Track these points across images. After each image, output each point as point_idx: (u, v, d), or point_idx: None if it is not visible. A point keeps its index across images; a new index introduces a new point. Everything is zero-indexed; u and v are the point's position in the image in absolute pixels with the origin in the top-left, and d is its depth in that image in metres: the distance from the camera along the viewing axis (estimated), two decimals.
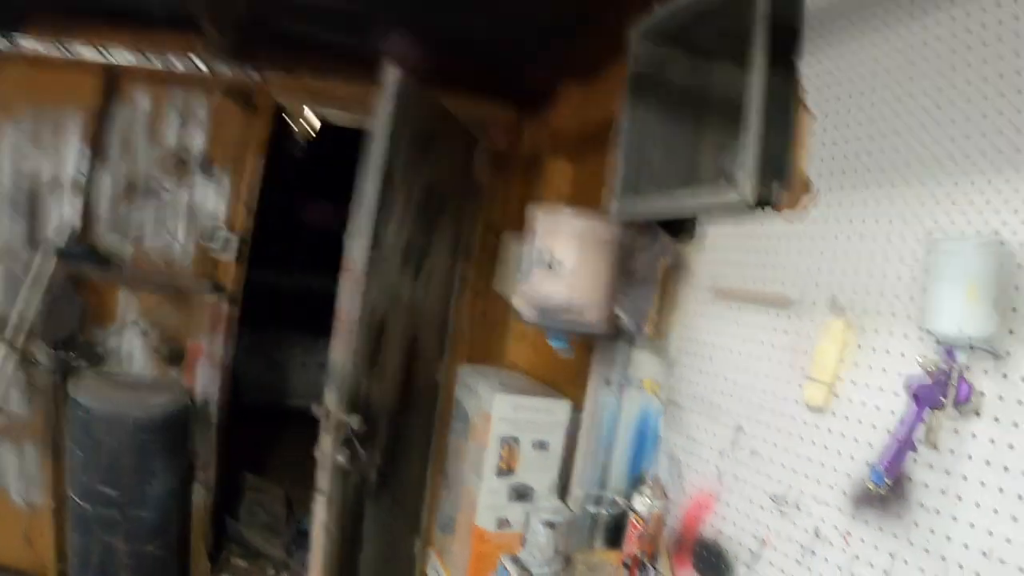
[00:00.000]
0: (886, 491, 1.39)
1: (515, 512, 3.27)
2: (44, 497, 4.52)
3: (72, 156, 4.41)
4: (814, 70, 1.98)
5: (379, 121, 3.07)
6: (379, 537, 3.87)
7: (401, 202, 3.34)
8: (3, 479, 4.57)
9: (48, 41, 4.34)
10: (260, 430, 7.22)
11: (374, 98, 3.15)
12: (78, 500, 4.02)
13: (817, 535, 1.68)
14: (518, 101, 4.72)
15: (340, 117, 4.72)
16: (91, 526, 4.00)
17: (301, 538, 5.27)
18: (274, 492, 5.75)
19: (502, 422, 3.18)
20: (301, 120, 5.75)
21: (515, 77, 4.40)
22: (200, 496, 4.58)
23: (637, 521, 2.12)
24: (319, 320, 8.20)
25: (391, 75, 3.07)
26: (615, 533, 2.71)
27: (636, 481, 2.65)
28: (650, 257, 2.52)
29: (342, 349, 3.01)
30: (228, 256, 4.45)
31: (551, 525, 2.11)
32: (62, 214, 4.42)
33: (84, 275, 4.33)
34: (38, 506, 4.54)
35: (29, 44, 4.34)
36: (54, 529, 4.52)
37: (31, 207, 4.45)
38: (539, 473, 3.23)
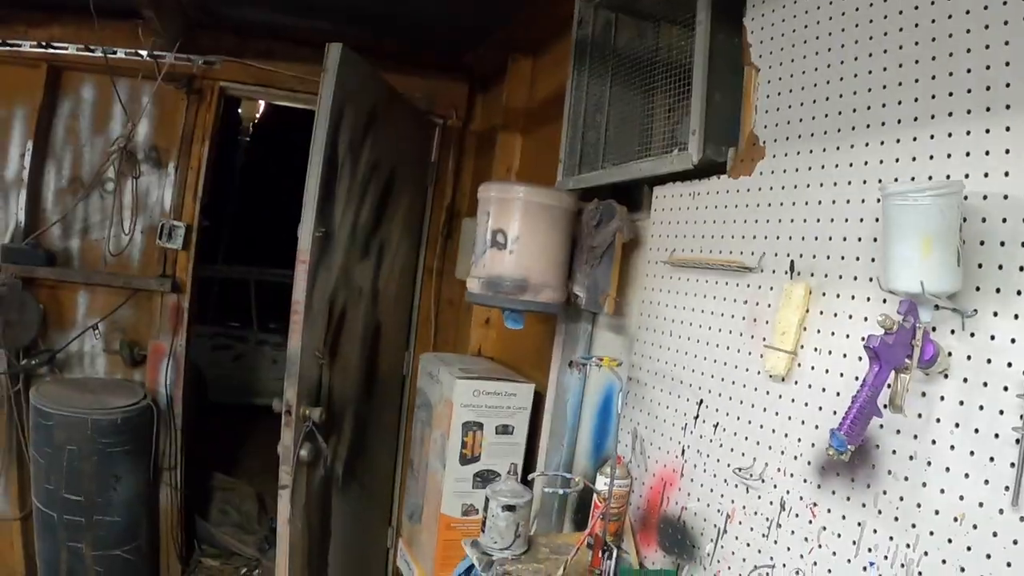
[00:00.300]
0: (849, 457, 1.31)
1: (481, 498, 3.18)
2: (10, 507, 4.39)
3: (17, 152, 4.25)
4: (759, 23, 1.89)
5: (323, 99, 2.98)
6: (349, 529, 3.83)
7: (349, 184, 3.26)
8: None
9: None
10: (229, 429, 7.13)
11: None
12: (43, 508, 3.92)
13: (783, 507, 1.61)
14: (470, 77, 4.64)
15: (291, 101, 4.63)
16: (57, 533, 3.91)
17: (274, 535, 5.20)
18: (245, 491, 5.67)
19: (464, 408, 3.10)
20: (250, 106, 5.65)
21: (466, 53, 4.33)
22: (168, 497, 4.48)
23: (599, 501, 2.03)
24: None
25: (334, 52, 2.98)
26: (581, 514, 2.67)
27: (602, 461, 2.57)
28: (607, 232, 2.42)
29: (298, 341, 2.92)
30: (178, 247, 4.32)
31: (511, 508, 2.02)
32: (8, 213, 4.27)
33: (35, 275, 4.19)
34: (4, 517, 4.39)
35: None
36: (22, 539, 4.40)
37: None
38: (504, 458, 3.11)
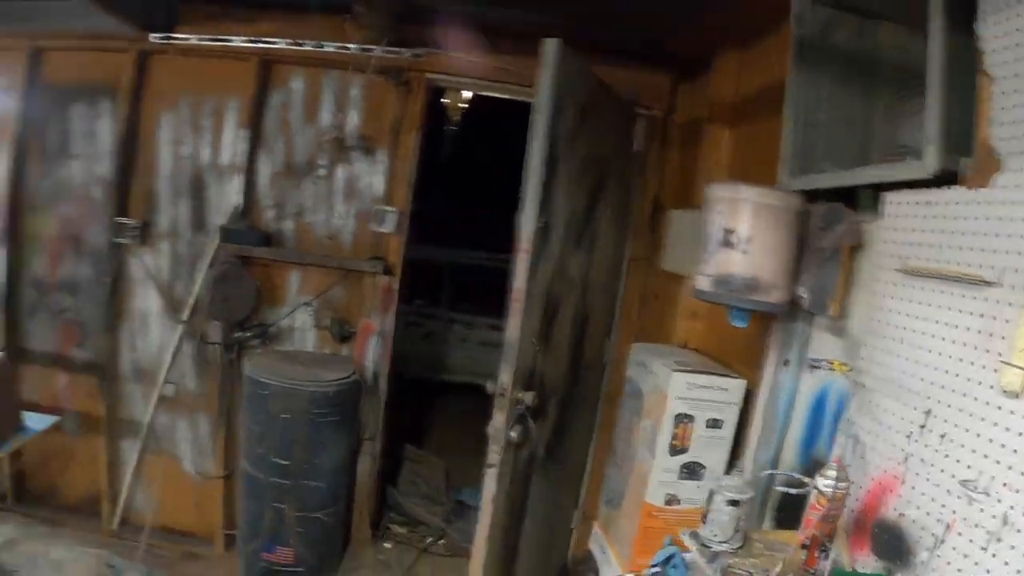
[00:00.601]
0: None
1: (685, 489, 3.49)
2: (214, 466, 5.17)
3: (231, 140, 4.93)
4: (992, 32, 1.98)
5: (541, 94, 3.22)
6: (542, 509, 4.14)
7: (566, 176, 3.50)
8: (177, 450, 5.26)
9: (202, 32, 4.84)
10: (418, 403, 7.77)
11: (528, 70, 3.34)
12: (252, 470, 4.50)
13: (1005, 522, 1.74)
14: (673, 68, 4.80)
15: (496, 91, 4.95)
16: (263, 494, 4.47)
17: (459, 508, 5.75)
18: (433, 463, 6.23)
19: (678, 400, 3.37)
20: (454, 96, 6.09)
21: (669, 44, 4.47)
22: (366, 466, 5.07)
23: (819, 502, 2.19)
24: (480, 297, 8.68)
25: (550, 47, 3.21)
26: (784, 513, 2.87)
27: (809, 462, 2.77)
28: (834, 236, 2.59)
29: (516, 327, 3.21)
30: (391, 231, 4.83)
31: (735, 503, 2.26)
32: (225, 196, 4.96)
33: (251, 254, 4.82)
34: (209, 475, 5.19)
35: (184, 36, 4.86)
36: (223, 496, 5.18)
37: (195, 191, 5.01)
38: (711, 451, 3.41)
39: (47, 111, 5.24)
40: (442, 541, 5.55)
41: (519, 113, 3.70)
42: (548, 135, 3.22)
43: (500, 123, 5.33)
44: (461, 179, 9.84)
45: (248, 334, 4.92)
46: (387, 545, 5.42)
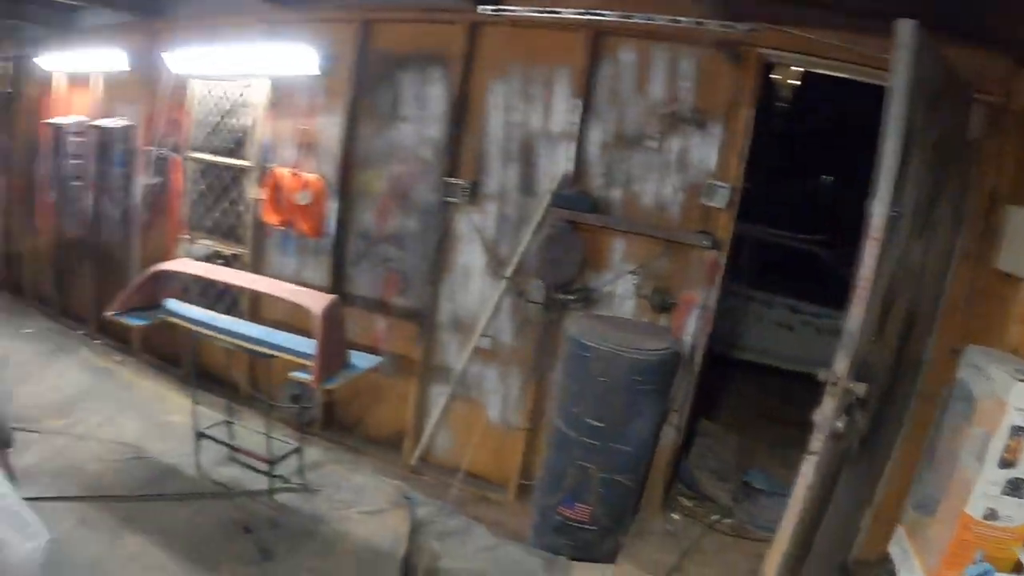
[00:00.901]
0: None
1: (1006, 505, 3.54)
2: (520, 419, 5.85)
3: (561, 109, 5.50)
4: None
5: (896, 78, 3.27)
6: (842, 503, 4.29)
7: (917, 164, 3.57)
8: (484, 399, 6.03)
9: (530, 4, 5.44)
10: (710, 377, 8.11)
11: (868, 49, 3.45)
12: (563, 427, 5.05)
13: None
14: (1012, 51, 4.60)
15: (832, 69, 5.02)
16: (571, 451, 5.00)
17: (744, 489, 6.09)
18: (725, 439, 6.63)
19: (1017, 411, 3.42)
20: (784, 72, 6.30)
21: (1009, 22, 4.21)
22: (669, 437, 5.51)
23: None
24: (779, 277, 8.78)
25: (906, 29, 3.26)
26: None
27: None
28: None
29: (859, 316, 3.35)
30: (721, 205, 5.11)
31: None
32: (554, 162, 5.55)
33: (578, 219, 5.37)
34: (513, 426, 5.90)
35: (513, 8, 5.50)
36: (523, 447, 5.84)
37: (524, 156, 5.67)
38: None
39: (378, 77, 6.16)
40: (728, 520, 5.80)
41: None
42: (904, 121, 3.27)
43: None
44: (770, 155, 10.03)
45: (571, 296, 5.49)
46: (674, 516, 5.78)
